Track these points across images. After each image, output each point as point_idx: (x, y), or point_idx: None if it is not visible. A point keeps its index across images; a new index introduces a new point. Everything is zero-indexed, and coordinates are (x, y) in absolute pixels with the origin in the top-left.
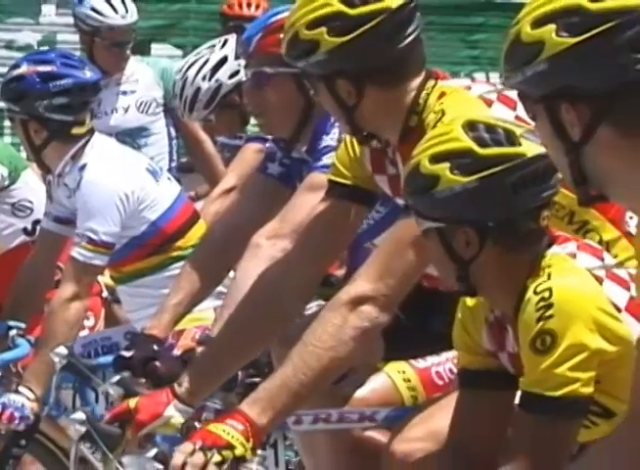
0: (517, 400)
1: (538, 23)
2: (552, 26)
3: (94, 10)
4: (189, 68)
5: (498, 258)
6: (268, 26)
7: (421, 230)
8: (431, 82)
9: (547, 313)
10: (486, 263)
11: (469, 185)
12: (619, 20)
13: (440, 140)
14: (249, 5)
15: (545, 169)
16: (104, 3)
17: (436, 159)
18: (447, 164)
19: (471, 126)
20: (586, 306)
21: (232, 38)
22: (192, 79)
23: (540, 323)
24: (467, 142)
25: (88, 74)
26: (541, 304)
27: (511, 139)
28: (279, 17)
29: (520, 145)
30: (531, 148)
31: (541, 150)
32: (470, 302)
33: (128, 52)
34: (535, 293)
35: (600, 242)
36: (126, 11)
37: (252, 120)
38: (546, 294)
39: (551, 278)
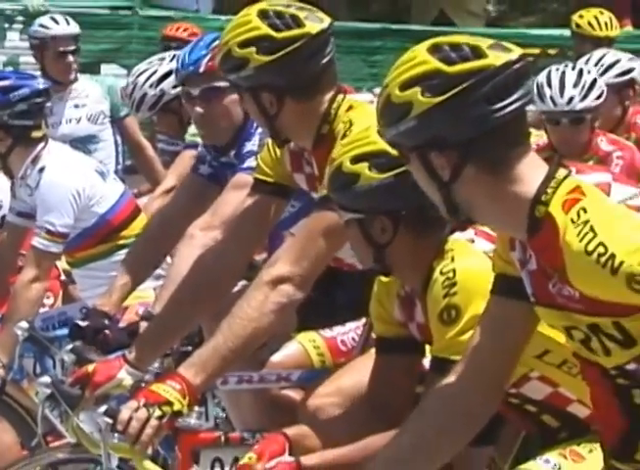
0: (427, 364)
1: (405, 86)
2: (417, 89)
3: (41, 25)
4: (140, 74)
5: (409, 243)
6: (215, 48)
7: (343, 220)
8: (340, 96)
9: (452, 291)
10: (399, 247)
11: (385, 181)
12: (474, 79)
13: (359, 144)
14: (185, 30)
15: None
16: (48, 19)
17: (357, 159)
18: (366, 164)
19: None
20: (484, 284)
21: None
22: (141, 85)
23: (446, 299)
24: (382, 145)
25: (40, 83)
26: (447, 282)
27: None
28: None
29: None
30: None
31: None
32: (384, 279)
33: (71, 58)
34: (441, 273)
35: None
36: (67, 24)
37: (190, 130)
38: (450, 274)
39: (454, 260)
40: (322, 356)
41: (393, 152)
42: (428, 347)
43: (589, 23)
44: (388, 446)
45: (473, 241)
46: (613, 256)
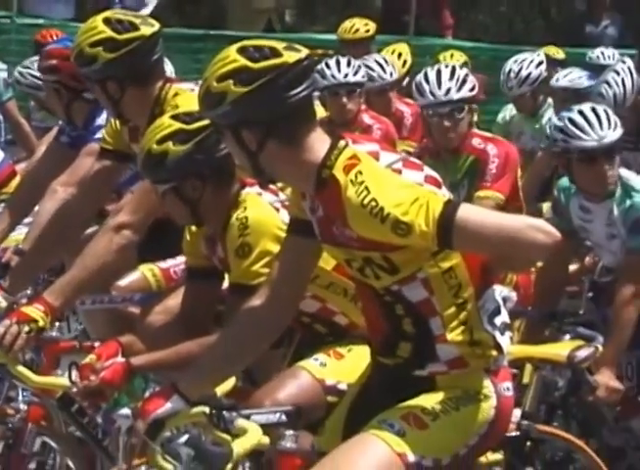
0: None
1: (220, 79)
2: (230, 81)
3: None
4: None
5: (213, 196)
6: None
7: (160, 193)
8: (168, 85)
9: (245, 232)
10: (207, 201)
11: (188, 150)
12: (274, 73)
13: (160, 129)
14: (57, 36)
15: None
16: None
17: (161, 141)
18: (170, 142)
19: (175, 116)
20: (270, 227)
21: None
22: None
23: (241, 239)
24: (177, 124)
25: None
26: (241, 226)
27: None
28: None
29: None
30: None
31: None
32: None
33: None
34: (237, 219)
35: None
36: None
37: None
38: (244, 220)
39: (247, 209)
40: (159, 282)
41: (188, 127)
42: (227, 275)
43: (347, 30)
44: (205, 355)
45: (260, 194)
46: (382, 208)
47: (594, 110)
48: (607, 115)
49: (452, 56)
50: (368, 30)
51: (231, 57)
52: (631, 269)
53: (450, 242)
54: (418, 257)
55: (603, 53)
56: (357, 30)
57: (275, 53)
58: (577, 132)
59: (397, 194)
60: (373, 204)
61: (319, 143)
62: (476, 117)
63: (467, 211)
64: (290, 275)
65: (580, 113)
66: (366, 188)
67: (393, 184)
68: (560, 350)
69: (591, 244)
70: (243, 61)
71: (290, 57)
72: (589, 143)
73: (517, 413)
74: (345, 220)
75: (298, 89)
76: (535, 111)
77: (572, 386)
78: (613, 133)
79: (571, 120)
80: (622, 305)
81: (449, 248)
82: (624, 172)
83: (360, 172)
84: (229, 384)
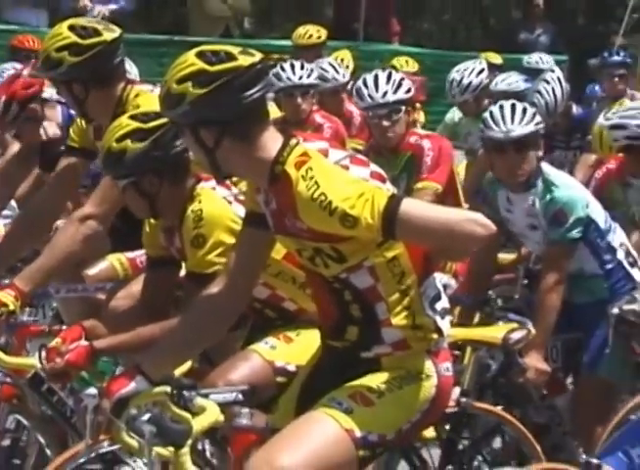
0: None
1: (180, 81)
2: (189, 83)
3: None
4: None
5: (170, 191)
6: None
7: (120, 187)
8: (129, 86)
9: (200, 224)
10: (164, 195)
11: (145, 147)
12: (229, 76)
13: (119, 127)
14: (33, 41)
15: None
16: None
17: (120, 139)
18: (128, 140)
19: (133, 116)
20: (223, 219)
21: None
22: None
23: (195, 230)
24: (135, 123)
25: None
26: (196, 218)
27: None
28: None
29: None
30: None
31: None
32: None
33: None
34: (192, 212)
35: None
36: None
37: None
38: (199, 212)
39: (201, 203)
40: (126, 271)
41: (145, 126)
42: (184, 264)
43: (301, 36)
44: (165, 340)
45: (214, 188)
46: (330, 202)
47: (513, 105)
48: (523, 111)
49: (407, 62)
50: (320, 36)
51: (189, 61)
52: (552, 259)
53: (394, 233)
54: (364, 247)
55: (541, 58)
56: (310, 36)
57: (231, 57)
58: (491, 124)
59: (345, 189)
60: (322, 198)
61: (272, 141)
62: (423, 118)
63: (409, 205)
64: (245, 265)
65: (500, 107)
66: (316, 183)
67: (341, 179)
68: (495, 332)
69: (516, 234)
70: (200, 64)
71: (244, 60)
72: (497, 134)
73: (457, 391)
74: (297, 213)
75: (252, 90)
76: (480, 113)
77: (504, 367)
78: (522, 128)
79: (490, 113)
80: (546, 292)
81: (393, 239)
82: (546, 168)
83: (310, 168)
84: (186, 365)
